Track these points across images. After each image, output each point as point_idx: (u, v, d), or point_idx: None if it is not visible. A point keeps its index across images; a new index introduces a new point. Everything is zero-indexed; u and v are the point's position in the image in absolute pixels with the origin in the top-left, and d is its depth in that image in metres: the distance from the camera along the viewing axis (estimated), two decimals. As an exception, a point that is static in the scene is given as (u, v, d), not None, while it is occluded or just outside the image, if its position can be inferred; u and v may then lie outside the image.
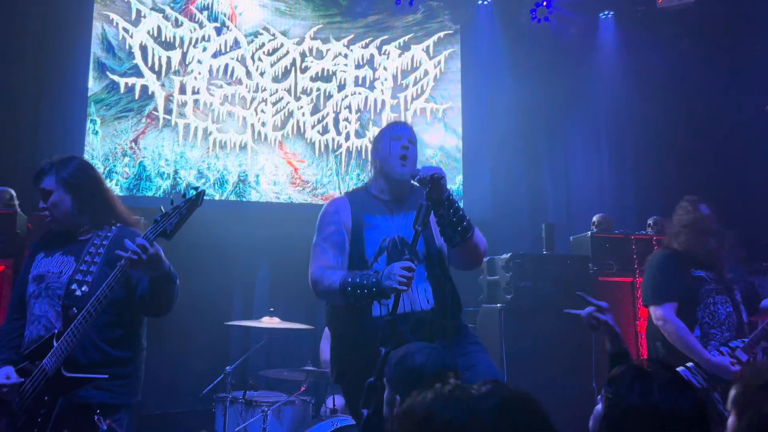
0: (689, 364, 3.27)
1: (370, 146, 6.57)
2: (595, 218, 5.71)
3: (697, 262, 3.37)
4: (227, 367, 4.29)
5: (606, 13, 7.20)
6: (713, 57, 6.65)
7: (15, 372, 2.37)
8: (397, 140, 2.63)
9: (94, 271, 2.46)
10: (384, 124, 6.60)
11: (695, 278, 3.34)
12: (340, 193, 6.26)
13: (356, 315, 2.52)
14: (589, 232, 5.39)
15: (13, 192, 4.57)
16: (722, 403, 3.20)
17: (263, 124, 6.33)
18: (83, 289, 2.44)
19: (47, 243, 2.61)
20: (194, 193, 2.42)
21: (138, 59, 6.08)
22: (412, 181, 2.57)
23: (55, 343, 2.32)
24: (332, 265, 2.55)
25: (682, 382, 1.41)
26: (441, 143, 6.81)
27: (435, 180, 2.37)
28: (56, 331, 2.35)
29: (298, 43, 6.56)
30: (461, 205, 6.52)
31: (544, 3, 6.83)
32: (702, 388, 3.23)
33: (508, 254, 4.99)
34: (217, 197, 6.09)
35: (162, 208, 2.39)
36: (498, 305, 4.90)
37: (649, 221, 5.60)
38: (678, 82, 6.81)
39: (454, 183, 6.73)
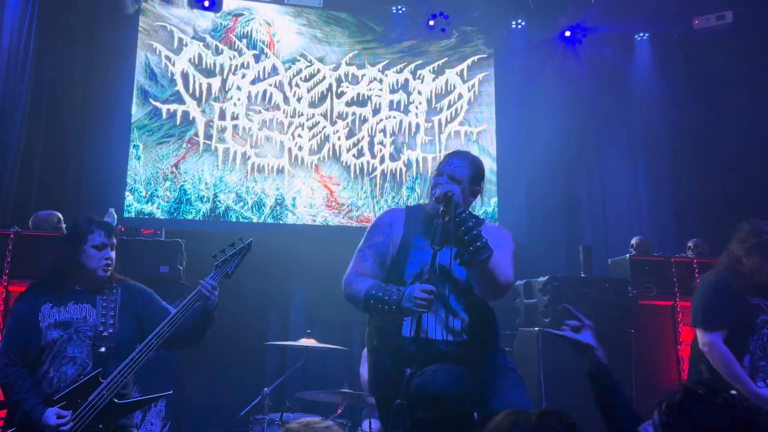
0: (732, 391, 3.18)
1: (404, 169, 6.66)
2: (633, 241, 5.63)
3: (757, 289, 3.21)
4: (265, 389, 4.33)
5: (641, 34, 7.18)
6: (751, 77, 6.56)
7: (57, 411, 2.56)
8: (440, 176, 2.62)
9: (114, 315, 2.81)
10: (418, 147, 6.70)
11: (752, 306, 3.20)
12: (374, 215, 6.31)
13: (387, 334, 2.53)
14: (628, 255, 5.31)
15: (60, 215, 4.73)
16: None
17: (300, 148, 6.44)
18: (109, 330, 2.76)
19: (48, 296, 2.79)
20: (247, 243, 3.03)
21: (179, 86, 6.27)
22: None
23: (102, 380, 2.62)
24: (367, 273, 2.58)
25: (738, 404, 1.39)
26: (475, 166, 6.82)
27: (447, 197, 2.41)
28: (99, 371, 2.65)
29: (334, 69, 6.69)
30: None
31: (578, 24, 6.86)
32: None
33: (546, 277, 4.94)
34: (254, 220, 6.20)
35: (216, 256, 2.94)
36: (536, 329, 4.85)
37: (690, 243, 5.51)
38: (715, 102, 6.73)
39: (489, 206, 6.73)
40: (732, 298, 3.20)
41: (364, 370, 4.50)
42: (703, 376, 3.31)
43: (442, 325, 2.49)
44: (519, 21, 7.06)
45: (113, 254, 2.87)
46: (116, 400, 2.63)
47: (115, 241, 2.89)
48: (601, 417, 2.03)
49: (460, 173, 2.63)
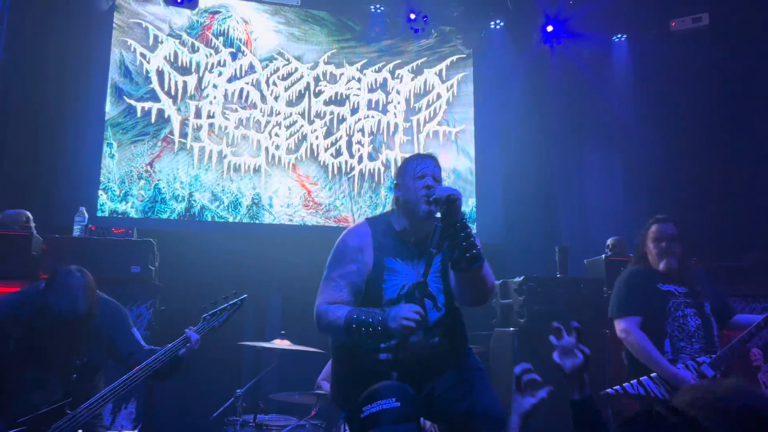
0: (653, 374, 3.28)
1: (383, 169, 6.63)
2: (609, 241, 5.65)
3: (665, 277, 3.41)
4: (238, 390, 4.27)
5: (619, 36, 7.22)
6: (727, 79, 6.62)
7: None
8: (421, 179, 2.49)
9: (87, 341, 2.72)
10: (396, 146, 6.67)
11: (662, 292, 3.38)
12: (352, 215, 6.28)
13: (360, 353, 2.46)
14: (604, 255, 5.32)
15: (29, 214, 4.62)
16: None
17: (277, 147, 6.39)
18: (83, 359, 2.70)
19: (20, 316, 2.70)
20: (240, 299, 2.99)
21: (155, 84, 6.18)
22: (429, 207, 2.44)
23: (68, 412, 2.56)
24: (344, 303, 2.45)
25: (696, 429, 1.38)
26: (454, 165, 6.82)
27: (450, 201, 2.30)
28: (68, 401, 2.59)
29: (312, 68, 6.64)
30: (474, 229, 6.50)
31: (554, 27, 6.88)
32: (664, 399, 3.24)
33: (521, 277, 4.93)
34: (230, 219, 6.14)
35: (206, 308, 2.92)
36: (511, 329, 4.84)
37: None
38: (692, 103, 6.78)
39: (467, 206, 6.73)
40: (642, 286, 3.39)
41: (324, 383, 4.49)
42: (624, 363, 3.47)
43: (423, 337, 2.45)
44: (498, 21, 7.07)
45: None
46: None
47: None
48: None
49: (439, 174, 2.55)
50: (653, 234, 3.48)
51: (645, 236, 3.53)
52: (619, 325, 3.40)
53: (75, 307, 2.61)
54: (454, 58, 7.07)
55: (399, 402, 1.94)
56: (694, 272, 3.50)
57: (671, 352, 3.31)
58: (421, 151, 6.72)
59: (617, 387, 3.29)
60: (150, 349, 2.80)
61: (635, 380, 3.30)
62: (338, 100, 6.66)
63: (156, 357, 2.68)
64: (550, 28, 6.92)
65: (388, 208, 2.70)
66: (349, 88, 6.71)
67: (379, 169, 6.61)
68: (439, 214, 2.37)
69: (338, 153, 6.56)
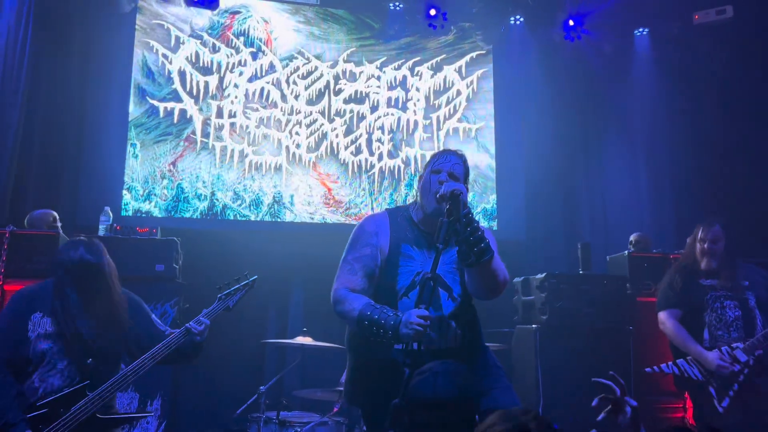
0: (688, 357, 3.69)
1: (403, 166, 6.63)
2: (632, 237, 5.60)
3: (708, 273, 3.81)
4: (261, 387, 4.32)
5: (641, 30, 7.13)
6: (751, 72, 6.51)
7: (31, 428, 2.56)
8: (437, 174, 2.53)
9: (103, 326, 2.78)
10: (416, 144, 6.68)
11: (702, 287, 3.78)
12: (373, 213, 6.29)
13: (377, 345, 2.47)
14: (627, 252, 5.28)
15: (56, 214, 4.71)
16: (716, 398, 3.56)
17: (298, 146, 6.42)
18: (98, 343, 2.74)
19: (41, 304, 2.75)
20: (251, 279, 3.13)
21: (177, 84, 6.25)
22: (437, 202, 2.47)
23: (88, 393, 2.63)
24: (358, 288, 2.50)
25: None
26: (474, 163, 6.79)
27: (454, 196, 2.34)
28: (86, 383, 2.66)
29: (332, 66, 6.66)
30: (494, 225, 6.46)
31: (575, 22, 6.80)
32: (698, 380, 3.63)
33: (543, 274, 4.91)
34: (252, 218, 6.19)
35: (221, 288, 3.03)
36: (533, 326, 4.83)
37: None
38: (716, 98, 6.68)
39: (488, 202, 6.70)
40: (683, 282, 3.83)
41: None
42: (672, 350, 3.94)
43: (435, 332, 2.46)
44: (517, 17, 7.03)
45: None
46: (99, 415, 2.62)
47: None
48: None
49: (459, 171, 2.57)
50: (698, 235, 3.88)
51: (694, 236, 3.93)
52: (660, 317, 3.89)
53: (84, 255, 2.76)
54: (474, 54, 7.05)
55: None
56: (743, 268, 3.83)
57: (709, 340, 3.68)
58: (441, 149, 6.73)
59: (654, 367, 3.81)
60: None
61: (671, 361, 3.76)
62: (358, 98, 6.68)
63: (158, 348, 2.79)
64: (571, 23, 6.84)
65: (410, 201, 2.74)
66: (368, 86, 6.72)
67: (399, 166, 6.62)
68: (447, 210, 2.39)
69: (358, 151, 6.58)
